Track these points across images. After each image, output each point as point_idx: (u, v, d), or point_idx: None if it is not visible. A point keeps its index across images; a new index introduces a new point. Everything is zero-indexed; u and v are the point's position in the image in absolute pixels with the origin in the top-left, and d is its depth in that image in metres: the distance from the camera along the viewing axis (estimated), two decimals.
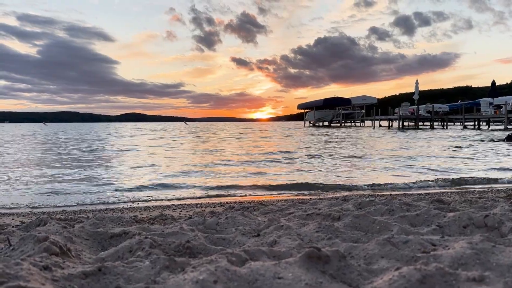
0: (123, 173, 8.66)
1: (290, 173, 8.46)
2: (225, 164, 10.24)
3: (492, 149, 13.52)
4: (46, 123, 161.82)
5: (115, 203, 5.49)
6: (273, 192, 6.24)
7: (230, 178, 7.82)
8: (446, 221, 2.13)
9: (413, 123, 40.33)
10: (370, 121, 50.55)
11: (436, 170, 8.52)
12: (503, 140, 17.50)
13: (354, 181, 7.13)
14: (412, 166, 9.26)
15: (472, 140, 18.09)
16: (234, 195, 5.99)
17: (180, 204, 5.08)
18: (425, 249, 1.60)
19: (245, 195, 5.97)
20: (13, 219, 3.96)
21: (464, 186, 6.65)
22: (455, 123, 45.38)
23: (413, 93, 43.65)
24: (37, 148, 16.98)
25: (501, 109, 32.94)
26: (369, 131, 34.64)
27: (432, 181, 7.07)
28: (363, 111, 56.34)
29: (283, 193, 6.15)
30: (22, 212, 4.71)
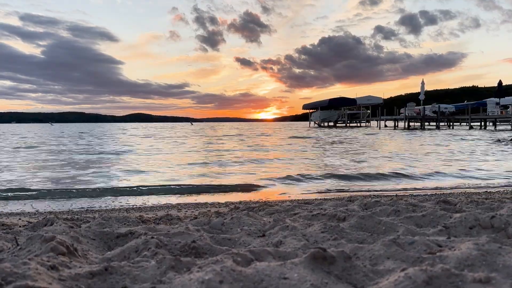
0: None
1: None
2: None
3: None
4: (52, 124, 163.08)
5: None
6: None
7: None
8: (452, 222, 2.12)
9: (419, 123, 40.14)
10: (376, 122, 50.33)
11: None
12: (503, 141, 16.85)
13: None
14: None
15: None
16: None
17: (186, 204, 5.10)
18: (431, 250, 1.60)
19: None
20: (20, 219, 3.99)
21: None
22: (461, 124, 45.10)
23: (419, 93, 43.41)
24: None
25: (508, 109, 32.70)
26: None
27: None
28: (368, 111, 56.08)
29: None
30: (29, 212, 4.75)
